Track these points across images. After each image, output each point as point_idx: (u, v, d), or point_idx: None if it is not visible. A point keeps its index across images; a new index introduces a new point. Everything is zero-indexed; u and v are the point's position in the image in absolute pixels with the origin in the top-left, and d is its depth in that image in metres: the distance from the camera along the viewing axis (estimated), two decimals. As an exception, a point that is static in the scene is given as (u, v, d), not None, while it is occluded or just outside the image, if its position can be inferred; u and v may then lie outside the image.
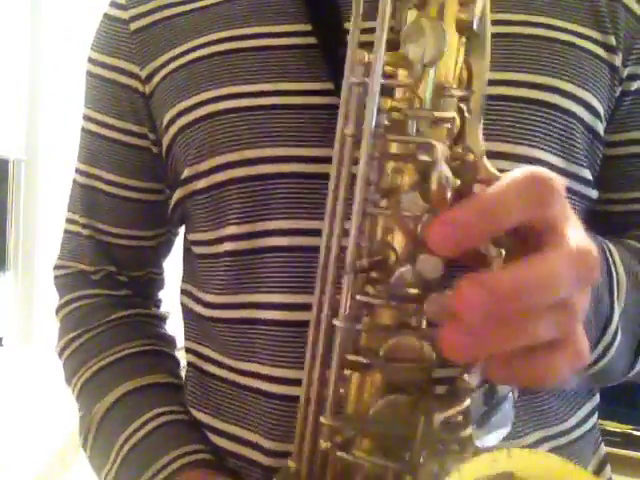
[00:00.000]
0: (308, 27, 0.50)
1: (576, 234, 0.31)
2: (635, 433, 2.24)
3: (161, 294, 0.69)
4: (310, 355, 0.35)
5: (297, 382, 0.48)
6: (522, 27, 0.49)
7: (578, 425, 0.53)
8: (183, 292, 0.60)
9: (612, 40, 0.50)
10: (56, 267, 0.66)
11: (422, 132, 0.31)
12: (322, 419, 0.34)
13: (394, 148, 0.32)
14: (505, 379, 0.33)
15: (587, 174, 0.50)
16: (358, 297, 0.32)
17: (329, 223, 0.34)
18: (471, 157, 0.32)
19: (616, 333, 0.46)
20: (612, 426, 2.16)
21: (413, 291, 0.32)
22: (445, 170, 0.30)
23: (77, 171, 0.63)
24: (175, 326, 0.66)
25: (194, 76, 0.52)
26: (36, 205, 2.84)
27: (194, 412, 0.56)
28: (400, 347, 0.32)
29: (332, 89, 0.48)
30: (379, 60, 0.30)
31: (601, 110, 0.50)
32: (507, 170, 0.35)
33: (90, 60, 0.60)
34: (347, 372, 0.34)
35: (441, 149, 0.30)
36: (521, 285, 0.28)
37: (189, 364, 0.58)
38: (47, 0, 2.81)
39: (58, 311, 0.64)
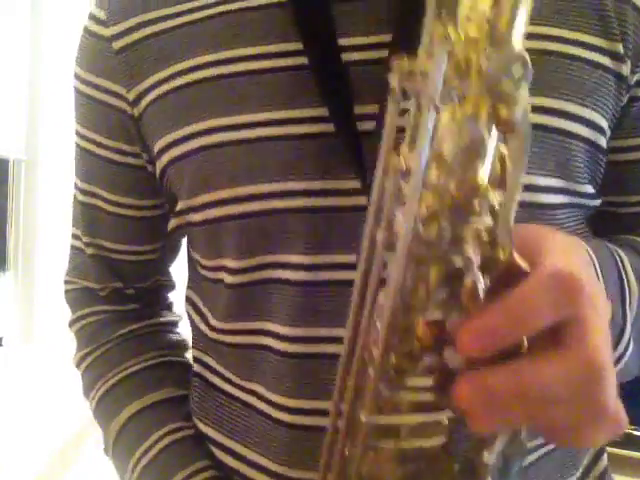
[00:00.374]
0: (299, 45, 0.47)
1: (600, 324, 0.31)
2: (635, 433, 2.25)
3: (172, 296, 0.69)
4: (330, 441, 0.35)
5: (300, 411, 0.49)
6: (526, 40, 0.48)
7: (584, 474, 0.54)
8: (187, 300, 0.60)
9: (619, 48, 0.48)
10: (65, 281, 0.67)
11: (457, 237, 0.31)
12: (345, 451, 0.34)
13: (426, 253, 0.31)
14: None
15: (589, 189, 0.50)
16: (384, 392, 0.32)
17: (352, 327, 0.34)
18: (502, 255, 0.31)
19: (628, 344, 0.46)
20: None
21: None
22: (478, 278, 0.30)
23: (76, 187, 0.63)
24: (185, 327, 0.67)
25: (182, 104, 0.50)
26: (36, 205, 2.83)
27: (198, 424, 0.56)
28: (419, 425, 0.33)
29: (325, 116, 0.46)
30: (420, 168, 0.29)
31: (604, 124, 0.49)
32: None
33: (76, 76, 0.58)
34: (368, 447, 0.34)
35: (474, 257, 0.30)
36: (517, 389, 0.29)
37: (195, 374, 0.58)
38: (47, 0, 2.80)
39: (71, 325, 0.66)
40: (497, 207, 0.31)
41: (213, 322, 0.54)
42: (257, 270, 0.49)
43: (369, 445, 0.33)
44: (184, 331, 0.66)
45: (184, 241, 0.63)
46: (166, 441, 0.55)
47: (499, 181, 0.31)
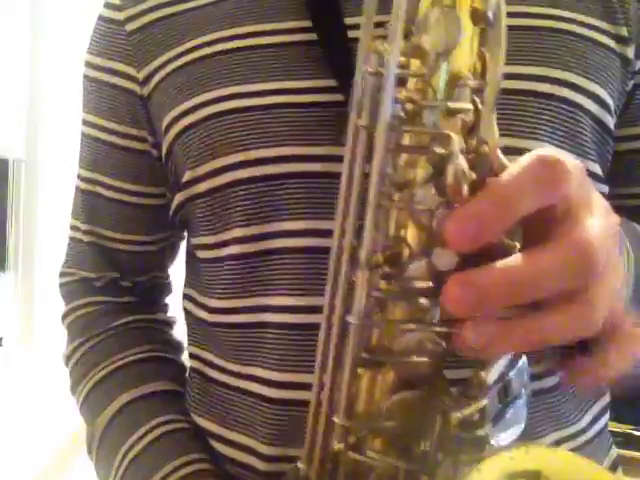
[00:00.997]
0: (308, 23, 0.49)
1: (591, 221, 0.30)
2: (635, 433, 2.24)
3: (168, 300, 0.69)
4: (321, 354, 0.34)
5: (302, 386, 0.48)
6: (530, 19, 0.48)
7: (591, 423, 0.53)
8: (185, 297, 0.59)
9: (624, 31, 0.49)
10: (60, 274, 0.66)
11: (437, 124, 0.30)
12: (335, 419, 0.33)
13: (409, 140, 0.31)
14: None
15: (597, 169, 0.49)
16: (373, 293, 0.31)
17: (341, 219, 0.33)
18: (485, 149, 0.31)
19: None
20: (612, 426, 2.15)
21: (428, 284, 0.31)
22: (461, 163, 0.29)
23: (79, 177, 0.63)
24: (181, 332, 0.66)
25: (194, 77, 0.51)
26: (36, 205, 2.83)
27: (197, 418, 0.55)
28: (414, 342, 0.32)
29: (335, 86, 0.47)
30: (395, 50, 0.29)
31: (611, 103, 0.49)
32: None
33: (87, 63, 0.59)
34: (360, 371, 0.33)
35: (457, 141, 0.29)
36: (505, 282, 0.28)
37: (192, 370, 0.58)
38: (47, 0, 2.81)
39: (64, 318, 0.64)
40: (478, 103, 0.31)
41: (213, 303, 0.53)
42: (264, 239, 0.49)
43: (361, 359, 0.33)
44: (179, 335, 0.66)
45: (182, 245, 0.64)
46: (158, 431, 0.54)
47: (480, 75, 0.31)
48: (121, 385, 0.58)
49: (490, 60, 0.30)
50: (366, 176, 0.32)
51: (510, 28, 0.47)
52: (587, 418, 0.52)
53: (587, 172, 0.48)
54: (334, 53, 0.48)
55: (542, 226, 0.30)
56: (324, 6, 0.49)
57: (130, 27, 0.55)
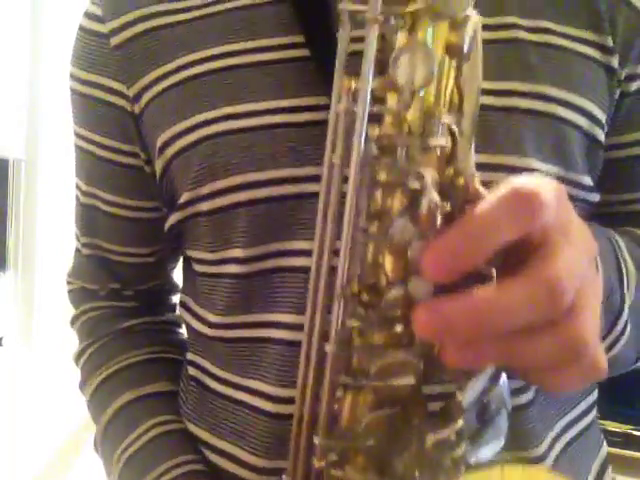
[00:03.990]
0: (301, 38, 0.48)
1: (566, 252, 0.30)
2: (635, 433, 2.24)
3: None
4: (302, 376, 0.34)
5: None
6: (513, 31, 0.47)
7: (586, 412, 0.53)
8: (182, 305, 0.60)
9: (609, 41, 0.49)
10: (67, 282, 0.67)
11: (412, 158, 0.31)
12: (315, 439, 0.34)
13: (383, 176, 0.31)
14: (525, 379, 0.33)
15: (587, 180, 0.49)
16: (348, 322, 0.32)
17: (319, 247, 0.34)
18: (461, 181, 0.31)
19: (625, 325, 0.45)
20: (612, 426, 2.16)
21: (404, 312, 0.32)
22: (434, 198, 0.30)
23: (77, 188, 0.63)
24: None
25: (188, 96, 0.50)
26: (36, 205, 2.83)
27: (189, 425, 0.56)
28: (391, 366, 0.32)
29: (328, 104, 0.47)
30: (367, 88, 0.30)
31: (599, 115, 0.48)
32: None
33: (72, 77, 0.58)
34: (339, 393, 0.34)
35: (430, 177, 0.30)
36: (470, 312, 0.29)
37: (189, 377, 0.58)
38: (47, 0, 2.80)
39: (73, 323, 0.66)
40: (456, 134, 0.31)
41: (212, 318, 0.53)
42: (265, 259, 0.49)
43: (339, 384, 0.33)
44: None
45: None
46: (154, 432, 0.55)
47: (457, 108, 0.32)
48: (123, 385, 0.59)
49: (466, 92, 0.31)
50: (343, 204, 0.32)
51: (493, 41, 0.46)
52: (583, 405, 0.52)
53: (578, 184, 0.49)
54: (328, 69, 0.47)
55: (518, 251, 0.31)
56: (316, 21, 0.48)
57: (115, 41, 0.53)
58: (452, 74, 0.31)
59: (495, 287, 0.29)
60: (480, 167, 0.33)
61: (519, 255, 0.30)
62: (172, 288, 0.69)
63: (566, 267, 0.29)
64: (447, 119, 0.31)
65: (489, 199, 0.29)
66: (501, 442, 0.35)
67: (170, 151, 0.51)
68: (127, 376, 0.60)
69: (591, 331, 0.31)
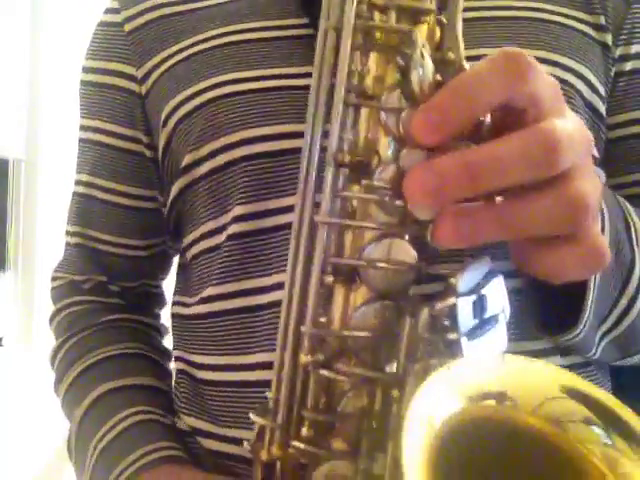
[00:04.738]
0: (305, 20, 0.50)
1: (562, 120, 0.29)
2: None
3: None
4: (292, 258, 0.33)
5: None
6: (509, 11, 0.49)
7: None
8: (174, 304, 0.59)
9: (602, 19, 0.50)
10: (52, 278, 0.65)
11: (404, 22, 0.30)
12: (302, 328, 0.32)
13: (375, 39, 0.31)
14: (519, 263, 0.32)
15: (594, 152, 0.48)
16: (340, 193, 0.31)
17: (311, 124, 0.33)
18: (452, 56, 0.31)
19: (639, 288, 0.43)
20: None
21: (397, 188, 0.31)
22: (427, 63, 0.29)
23: (77, 183, 0.63)
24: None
25: (192, 68, 0.51)
26: (36, 205, 2.83)
27: (187, 419, 0.54)
28: (384, 250, 0.31)
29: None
30: None
31: (599, 87, 0.49)
32: None
33: (85, 69, 0.60)
34: (329, 279, 0.32)
35: (421, 39, 0.29)
36: (463, 165, 0.27)
37: (180, 372, 0.56)
38: (47, 0, 2.82)
39: (51, 320, 0.64)
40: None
41: (207, 293, 0.52)
42: (264, 216, 0.48)
43: (332, 268, 0.32)
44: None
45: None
46: (131, 420, 0.53)
47: None
48: (100, 377, 0.57)
49: None
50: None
51: (489, 19, 0.49)
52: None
53: None
54: None
55: (511, 123, 0.30)
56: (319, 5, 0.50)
57: (129, 27, 0.56)
58: None
59: (489, 142, 0.28)
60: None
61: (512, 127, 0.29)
62: (158, 297, 0.67)
63: (561, 126, 0.28)
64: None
65: (480, 62, 0.29)
66: (500, 347, 0.34)
67: (174, 118, 0.52)
68: (106, 368, 0.57)
69: (592, 194, 0.29)
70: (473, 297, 0.33)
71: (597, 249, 0.31)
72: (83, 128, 0.61)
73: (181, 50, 0.53)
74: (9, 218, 2.76)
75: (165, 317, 0.66)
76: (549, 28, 0.49)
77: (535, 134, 0.28)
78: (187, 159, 0.51)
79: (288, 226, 0.46)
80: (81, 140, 0.62)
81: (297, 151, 0.45)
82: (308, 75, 0.46)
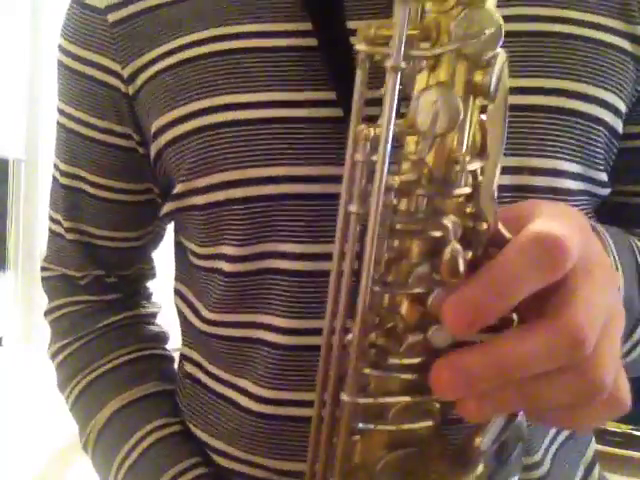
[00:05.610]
0: (308, 25, 0.45)
1: (588, 292, 0.29)
2: (635, 433, 2.23)
3: (153, 285, 0.68)
4: (315, 429, 0.33)
5: (293, 403, 0.48)
6: (535, 23, 0.45)
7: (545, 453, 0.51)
8: (177, 293, 0.58)
9: (639, 30, 0.47)
10: (42, 268, 0.64)
11: (433, 209, 0.30)
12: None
13: (403, 226, 0.30)
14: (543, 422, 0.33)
15: (604, 177, 0.48)
16: (366, 371, 0.31)
17: (332, 308, 0.32)
18: (484, 226, 0.30)
19: None
20: (612, 426, 2.15)
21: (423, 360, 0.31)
22: (457, 247, 0.29)
23: (56, 168, 0.60)
24: (167, 323, 0.65)
25: (184, 80, 0.47)
26: (36, 205, 2.82)
27: (189, 425, 0.55)
28: (410, 412, 0.32)
29: (334, 100, 0.44)
30: (387, 135, 0.28)
31: (623, 108, 0.47)
32: (523, 185, 0.36)
33: (61, 49, 0.56)
34: (355, 438, 0.33)
35: (453, 227, 0.29)
36: (492, 365, 0.28)
37: (186, 375, 0.57)
38: (47, 0, 2.80)
39: (47, 314, 0.63)
40: (478, 176, 0.30)
41: (206, 314, 0.52)
42: (257, 259, 0.48)
43: (356, 429, 0.32)
44: (164, 321, 0.65)
45: (169, 227, 0.61)
46: (151, 440, 0.54)
47: (480, 150, 0.30)
48: (111, 389, 0.58)
49: (491, 134, 0.29)
50: (358, 257, 0.31)
51: (514, 34, 0.44)
52: (543, 448, 0.51)
53: (595, 180, 0.47)
54: (334, 61, 0.45)
55: (539, 293, 0.30)
56: (324, 6, 0.45)
57: (112, 17, 0.51)
58: (476, 114, 0.29)
59: (515, 337, 0.28)
60: (503, 170, 0.31)
61: (538, 295, 0.29)
62: (151, 273, 0.67)
63: (587, 310, 0.28)
64: (471, 166, 0.29)
65: (512, 248, 0.28)
66: (517, 475, 0.34)
67: (163, 139, 0.49)
68: (113, 380, 0.59)
69: (612, 370, 0.30)
70: (495, 446, 0.33)
71: (619, 402, 0.31)
72: (64, 114, 0.58)
73: (170, 52, 0.48)
74: (9, 218, 2.75)
75: (157, 288, 0.68)
76: (576, 47, 0.45)
77: (562, 331, 0.28)
78: (180, 187, 0.49)
79: (282, 271, 0.46)
80: (61, 125, 0.59)
81: (294, 197, 0.45)
82: (308, 104, 0.44)
